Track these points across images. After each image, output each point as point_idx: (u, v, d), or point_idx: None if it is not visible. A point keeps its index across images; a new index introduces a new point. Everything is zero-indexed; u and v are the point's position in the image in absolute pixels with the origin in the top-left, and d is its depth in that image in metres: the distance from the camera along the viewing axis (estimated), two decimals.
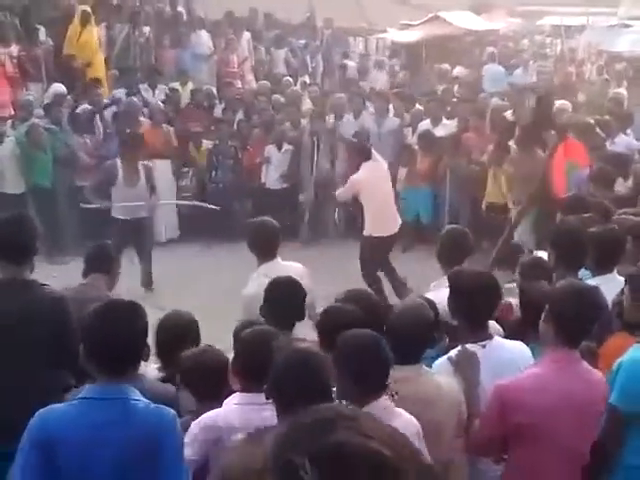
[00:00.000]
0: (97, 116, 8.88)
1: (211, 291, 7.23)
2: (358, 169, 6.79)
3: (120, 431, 2.27)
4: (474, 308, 2.90)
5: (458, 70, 12.20)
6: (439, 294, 3.40)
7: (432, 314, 2.92)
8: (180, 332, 3.20)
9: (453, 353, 2.91)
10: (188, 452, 2.55)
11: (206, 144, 9.07)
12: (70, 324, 3.20)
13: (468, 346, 2.88)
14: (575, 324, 2.58)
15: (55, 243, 7.99)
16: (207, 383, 2.88)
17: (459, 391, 2.79)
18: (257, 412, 2.52)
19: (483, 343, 2.90)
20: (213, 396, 2.82)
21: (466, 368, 2.83)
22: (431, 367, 2.93)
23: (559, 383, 2.56)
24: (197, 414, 2.76)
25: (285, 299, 3.38)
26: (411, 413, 2.55)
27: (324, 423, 1.01)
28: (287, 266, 4.19)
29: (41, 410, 2.33)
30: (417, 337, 2.77)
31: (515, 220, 4.62)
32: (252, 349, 2.66)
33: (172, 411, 2.41)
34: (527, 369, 2.70)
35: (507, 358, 2.89)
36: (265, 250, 4.17)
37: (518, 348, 2.98)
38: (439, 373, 2.87)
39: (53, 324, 3.19)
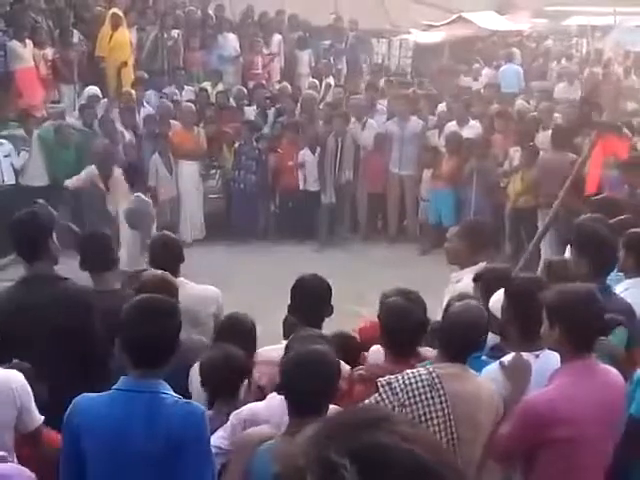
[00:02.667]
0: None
1: (237, 289, 7.40)
2: None
3: (145, 424, 2.29)
4: (532, 316, 2.79)
5: (485, 71, 12.22)
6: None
7: (486, 317, 2.86)
8: (240, 334, 3.30)
9: (506, 359, 2.86)
10: (225, 443, 2.63)
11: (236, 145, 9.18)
12: (92, 316, 3.21)
13: (523, 354, 2.83)
14: (587, 330, 2.55)
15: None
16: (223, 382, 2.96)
17: (497, 393, 2.76)
18: None
19: (537, 353, 2.84)
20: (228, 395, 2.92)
21: (517, 376, 2.78)
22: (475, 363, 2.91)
23: (583, 392, 2.55)
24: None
25: (310, 296, 3.42)
26: (459, 410, 2.55)
27: (366, 423, 1.01)
28: (194, 288, 3.92)
29: (76, 398, 2.41)
30: (471, 339, 2.77)
31: (546, 225, 4.49)
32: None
33: (201, 407, 2.44)
34: (550, 382, 2.65)
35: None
36: (165, 268, 3.79)
37: None
38: (488, 376, 2.85)
39: (77, 316, 3.19)
